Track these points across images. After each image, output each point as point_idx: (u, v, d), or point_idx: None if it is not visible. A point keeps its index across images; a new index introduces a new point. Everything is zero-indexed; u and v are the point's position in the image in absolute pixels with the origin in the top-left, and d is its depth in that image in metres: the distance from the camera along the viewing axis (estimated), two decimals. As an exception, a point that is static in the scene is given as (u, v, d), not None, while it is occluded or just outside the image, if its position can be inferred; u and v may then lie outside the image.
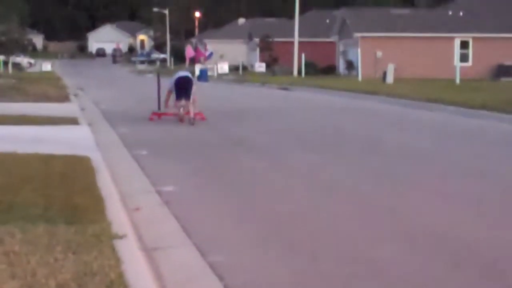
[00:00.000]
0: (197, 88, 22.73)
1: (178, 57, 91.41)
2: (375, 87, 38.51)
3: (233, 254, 7.38)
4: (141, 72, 78.53)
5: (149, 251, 7.32)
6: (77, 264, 6.24)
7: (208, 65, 63.36)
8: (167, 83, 23.10)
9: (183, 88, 21.84)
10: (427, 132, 19.86)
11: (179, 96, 21.84)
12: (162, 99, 23.44)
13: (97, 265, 6.21)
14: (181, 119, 21.93)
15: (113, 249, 6.80)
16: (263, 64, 71.67)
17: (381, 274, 6.74)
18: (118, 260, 6.43)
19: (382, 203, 10.00)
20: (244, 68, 73.83)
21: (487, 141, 18.09)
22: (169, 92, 22.50)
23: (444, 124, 22.21)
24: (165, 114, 22.93)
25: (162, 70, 61.95)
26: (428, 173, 12.69)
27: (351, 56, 60.50)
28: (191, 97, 21.78)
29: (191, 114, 21.50)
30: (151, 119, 22.58)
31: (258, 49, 78.45)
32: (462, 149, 16.42)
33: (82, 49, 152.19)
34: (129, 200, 9.80)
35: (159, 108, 23.79)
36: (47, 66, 77.60)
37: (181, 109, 21.97)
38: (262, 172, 12.80)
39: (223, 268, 6.81)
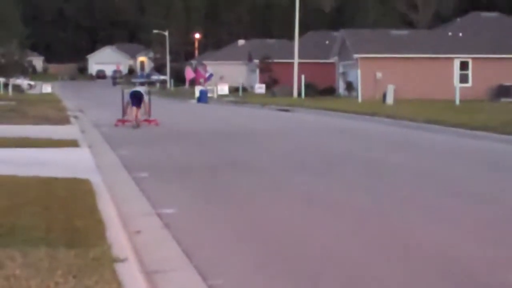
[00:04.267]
0: (149, 99, 30.71)
1: (178, 78, 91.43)
2: (375, 109, 38.52)
3: (234, 277, 7.37)
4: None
5: (150, 275, 7.31)
6: (78, 288, 6.23)
7: (208, 86, 63.43)
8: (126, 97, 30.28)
9: (135, 98, 29.49)
10: (427, 154, 19.85)
11: (133, 105, 29.36)
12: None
13: (98, 289, 6.20)
14: (137, 124, 28.69)
15: (114, 273, 6.79)
16: (263, 85, 71.64)
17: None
18: (119, 284, 6.42)
19: (382, 225, 9.99)
20: (244, 89, 73.74)
21: (488, 163, 18.08)
22: (127, 103, 29.94)
23: (444, 146, 22.20)
24: (127, 120, 29.64)
25: (162, 91, 61.93)
26: (428, 195, 12.68)
27: (351, 77, 60.59)
28: (141, 105, 29.53)
29: (139, 117, 29.15)
30: (116, 125, 29.36)
31: (258, 70, 78.40)
32: (463, 171, 16.42)
33: (82, 71, 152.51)
34: (129, 223, 9.79)
35: (122, 116, 30.16)
36: (47, 88, 77.52)
37: (135, 116, 29.08)
38: (262, 194, 12.79)
39: (224, 292, 6.80)
